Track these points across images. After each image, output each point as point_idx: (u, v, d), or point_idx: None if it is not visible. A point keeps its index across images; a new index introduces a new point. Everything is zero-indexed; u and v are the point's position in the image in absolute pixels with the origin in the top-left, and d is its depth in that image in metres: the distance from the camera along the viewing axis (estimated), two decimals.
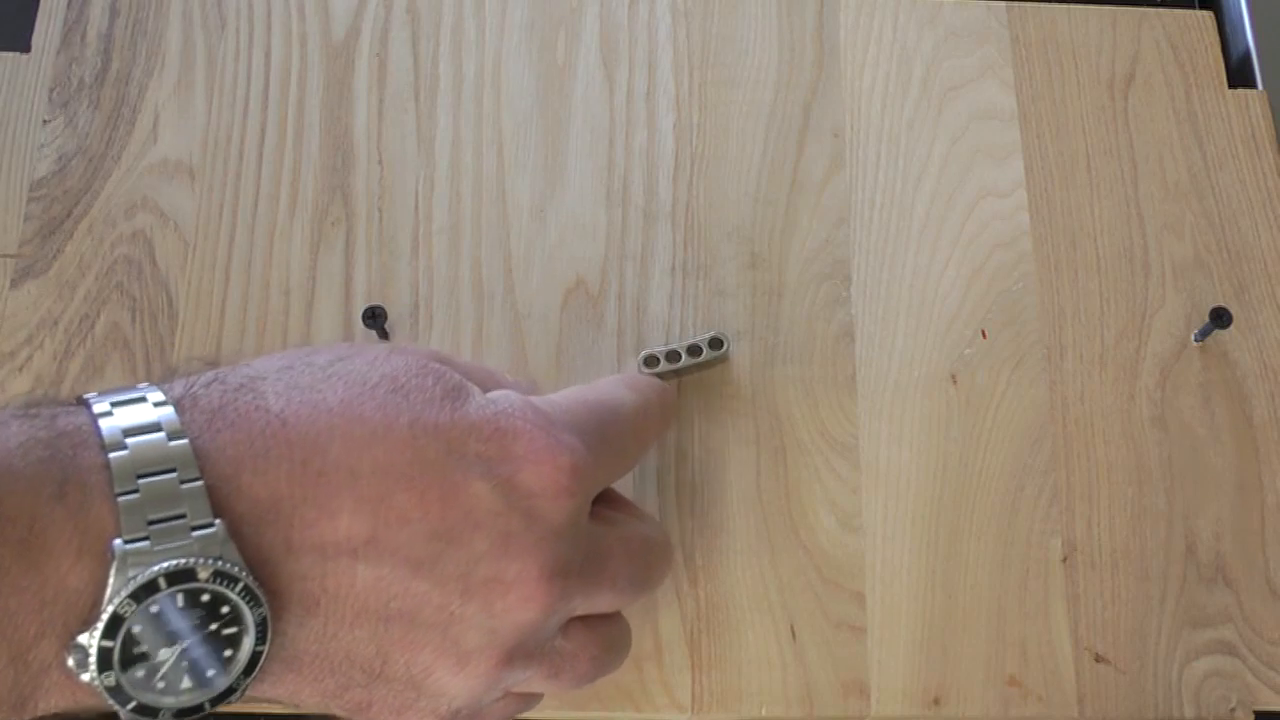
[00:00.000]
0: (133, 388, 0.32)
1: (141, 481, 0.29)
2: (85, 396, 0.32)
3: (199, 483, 0.30)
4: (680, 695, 0.48)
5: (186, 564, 0.29)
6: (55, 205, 0.54)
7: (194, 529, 0.29)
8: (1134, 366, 0.54)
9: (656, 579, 0.42)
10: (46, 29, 0.57)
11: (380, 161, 0.56)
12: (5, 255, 0.53)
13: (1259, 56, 0.61)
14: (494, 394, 0.36)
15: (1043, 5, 0.61)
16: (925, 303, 0.55)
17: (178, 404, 0.32)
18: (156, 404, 0.31)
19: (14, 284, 0.53)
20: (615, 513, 0.41)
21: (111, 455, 0.30)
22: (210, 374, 0.33)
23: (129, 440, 0.30)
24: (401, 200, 0.55)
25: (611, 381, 0.42)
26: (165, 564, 0.29)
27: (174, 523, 0.29)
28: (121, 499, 0.29)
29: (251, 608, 0.30)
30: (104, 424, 0.31)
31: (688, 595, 0.49)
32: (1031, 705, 0.49)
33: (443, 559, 0.32)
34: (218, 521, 0.29)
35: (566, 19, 0.59)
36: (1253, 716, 0.49)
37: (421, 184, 0.56)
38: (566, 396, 0.39)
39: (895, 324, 0.54)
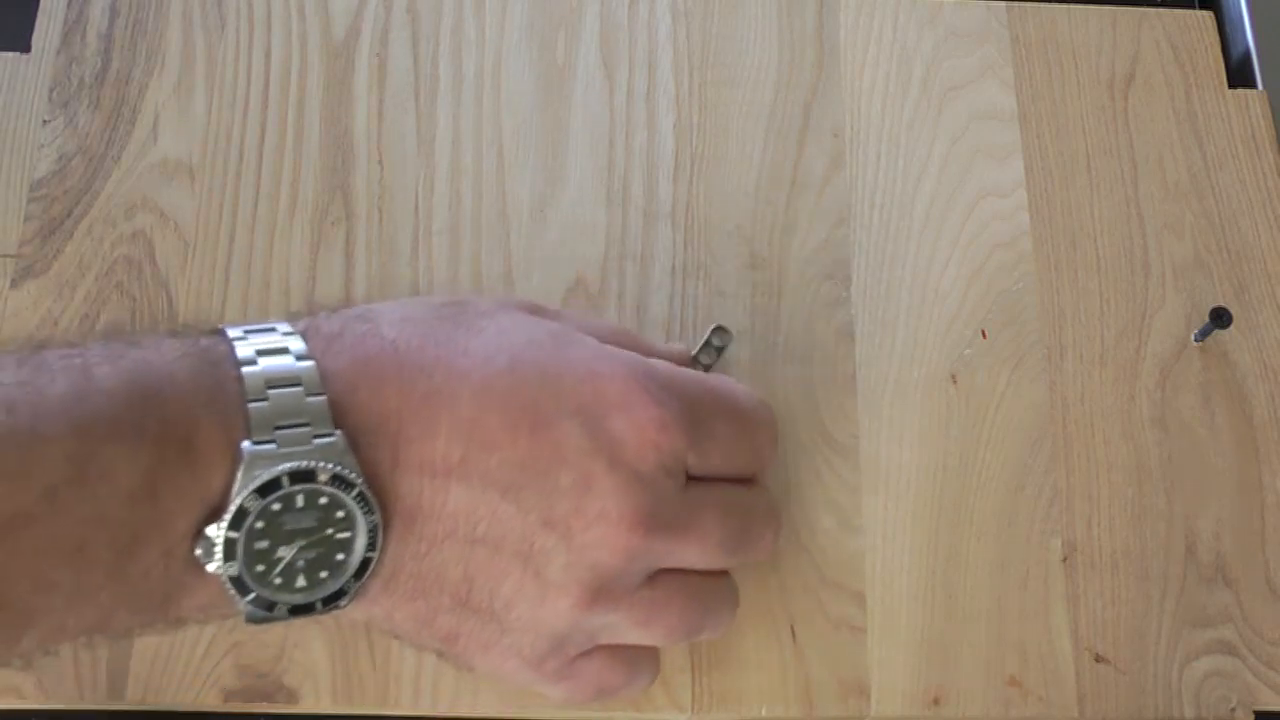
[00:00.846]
0: (263, 321, 0.35)
1: (271, 392, 0.32)
2: (221, 326, 0.35)
3: (322, 397, 0.32)
4: (680, 695, 0.48)
5: (308, 465, 0.32)
6: (55, 205, 0.54)
7: (315, 437, 0.32)
8: (1134, 366, 0.54)
9: (756, 544, 0.42)
10: (46, 29, 0.57)
11: (380, 161, 0.56)
12: (5, 255, 0.53)
13: (1259, 56, 0.61)
14: (609, 347, 0.37)
15: (1043, 5, 0.61)
16: (925, 303, 0.55)
17: (303, 332, 0.35)
18: (284, 333, 0.34)
19: (14, 284, 0.53)
20: (726, 481, 0.41)
21: (245, 370, 0.32)
22: (332, 310, 0.36)
23: (260, 359, 0.33)
24: (401, 200, 0.55)
25: (733, 383, 0.43)
26: (289, 465, 0.32)
27: (299, 429, 0.32)
28: (252, 406, 0.32)
29: (365, 514, 0.33)
30: (238, 346, 0.33)
31: None
32: (1031, 705, 0.49)
33: (527, 488, 0.34)
34: (337, 432, 0.32)
35: (566, 19, 0.59)
36: (1253, 716, 0.49)
37: (421, 184, 0.56)
38: (687, 372, 0.40)
39: (895, 324, 0.54)
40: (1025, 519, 0.51)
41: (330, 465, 0.32)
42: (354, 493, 0.33)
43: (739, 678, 0.48)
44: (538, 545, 0.35)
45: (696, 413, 0.38)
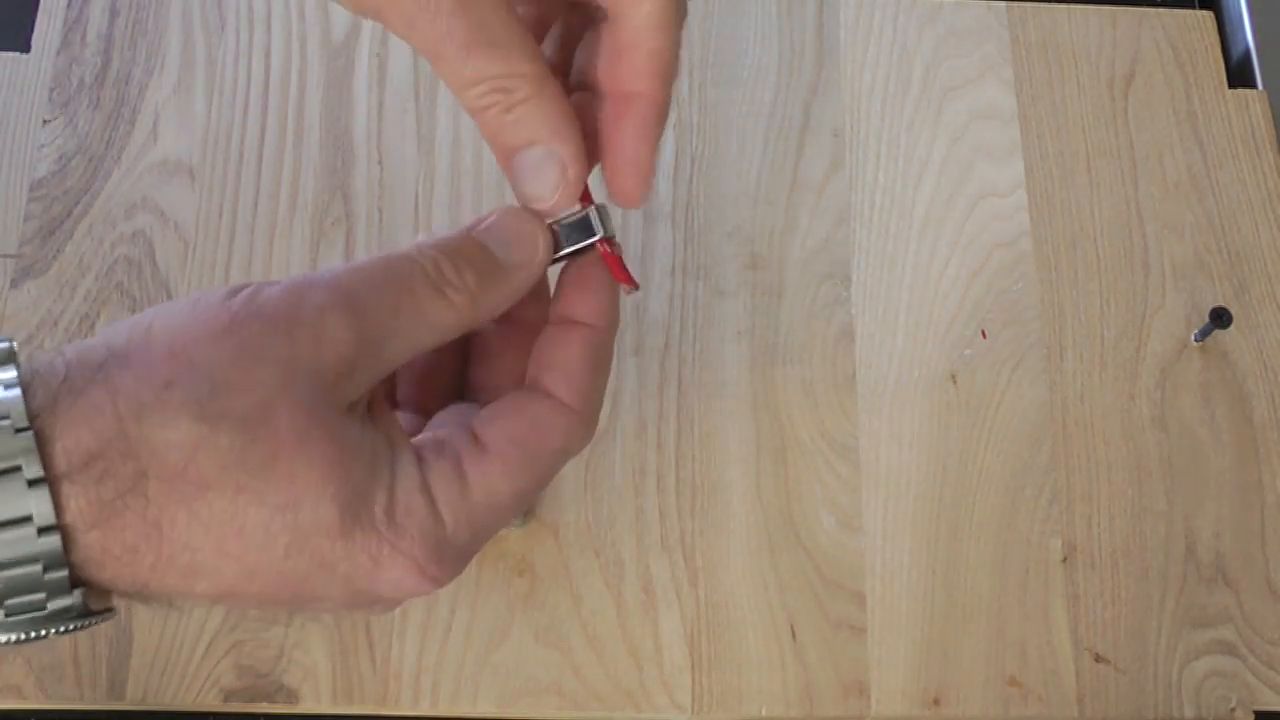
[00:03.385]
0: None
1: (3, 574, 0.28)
2: None
3: (63, 572, 0.28)
4: (680, 695, 0.48)
5: (40, 635, 0.29)
6: (55, 205, 0.54)
7: (49, 599, 0.28)
8: (1134, 366, 0.54)
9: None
10: (46, 29, 0.57)
11: (380, 161, 0.56)
12: (5, 255, 0.53)
13: (1259, 56, 0.61)
14: (400, 507, 0.31)
15: (1043, 5, 0.61)
16: (925, 303, 0.55)
17: (63, 481, 0.28)
18: (29, 481, 0.28)
19: (14, 284, 0.53)
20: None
21: None
22: (101, 460, 0.28)
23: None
24: (401, 200, 0.55)
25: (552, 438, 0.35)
26: (17, 635, 0.29)
27: (31, 600, 0.28)
28: None
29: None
30: None
31: (688, 595, 0.49)
32: (1031, 705, 0.49)
33: (284, 611, 0.34)
34: (76, 591, 0.29)
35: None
36: (1253, 716, 0.49)
37: (421, 184, 0.56)
38: (494, 492, 0.33)
39: (895, 324, 0.54)
40: (1025, 519, 0.51)
41: (59, 630, 0.29)
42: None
43: (739, 678, 0.49)
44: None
45: (478, 542, 0.34)
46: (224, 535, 0.29)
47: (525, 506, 0.34)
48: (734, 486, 0.51)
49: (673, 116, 0.57)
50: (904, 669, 0.49)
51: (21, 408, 0.27)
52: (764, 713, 0.48)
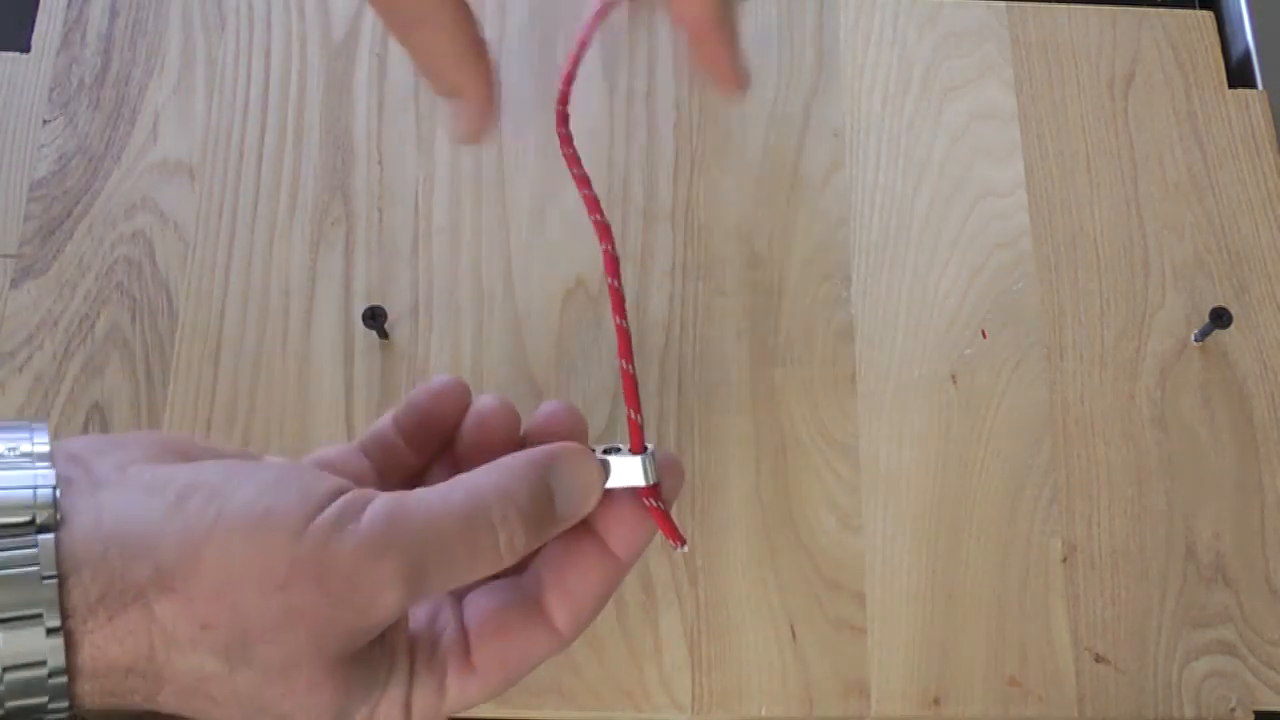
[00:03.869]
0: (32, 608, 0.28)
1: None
2: None
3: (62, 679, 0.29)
4: (680, 695, 0.48)
5: None
6: (55, 205, 0.54)
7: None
8: (1134, 366, 0.54)
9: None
10: (46, 29, 0.57)
11: (380, 161, 0.56)
12: (5, 255, 0.53)
13: (1259, 56, 0.61)
14: (378, 718, 0.33)
15: (1043, 5, 0.61)
16: (925, 303, 0.55)
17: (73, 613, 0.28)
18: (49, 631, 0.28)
19: (14, 284, 0.53)
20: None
21: None
22: (129, 676, 0.29)
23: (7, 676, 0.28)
24: (401, 200, 0.55)
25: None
26: None
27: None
28: None
29: None
30: None
31: (688, 595, 0.49)
32: (1031, 705, 0.49)
33: None
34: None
35: (566, 19, 0.59)
36: (1253, 716, 0.49)
37: (421, 184, 0.56)
38: (467, 701, 0.35)
39: (895, 324, 0.54)
40: (1025, 519, 0.51)
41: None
42: None
43: (739, 678, 0.48)
44: None
45: None
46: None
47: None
48: (734, 486, 0.51)
49: (673, 116, 0.57)
50: (904, 669, 0.49)
51: (55, 601, 0.28)
52: (764, 713, 0.48)
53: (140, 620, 0.29)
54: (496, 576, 0.35)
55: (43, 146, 0.55)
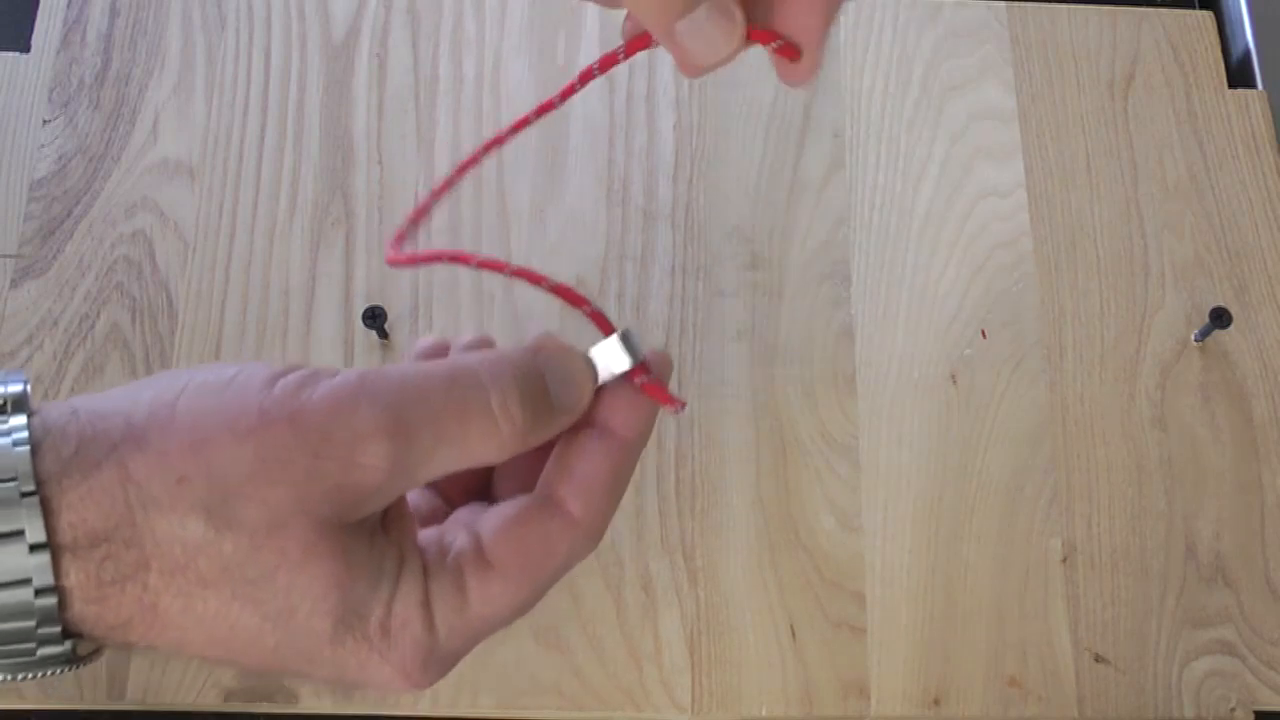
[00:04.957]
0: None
1: None
2: None
3: (56, 628, 0.28)
4: (680, 695, 0.48)
5: (21, 679, 0.29)
6: (55, 205, 0.54)
7: (40, 646, 0.29)
8: (1134, 366, 0.54)
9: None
10: (46, 29, 0.57)
11: (380, 161, 0.56)
12: (5, 255, 0.53)
13: (1259, 56, 0.61)
14: (396, 621, 0.31)
15: (1043, 5, 0.61)
16: (925, 303, 0.55)
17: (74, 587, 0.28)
18: (31, 553, 0.27)
19: (14, 284, 0.53)
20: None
21: None
22: (106, 545, 0.28)
23: None
24: (401, 200, 0.55)
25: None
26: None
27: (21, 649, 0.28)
28: None
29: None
30: None
31: (688, 595, 0.49)
32: (1031, 705, 0.49)
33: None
34: (68, 643, 0.29)
35: (566, 19, 0.59)
36: (1253, 716, 0.49)
37: (421, 184, 0.56)
38: (493, 607, 0.32)
39: (895, 324, 0.54)
40: (1025, 519, 0.51)
41: (47, 674, 0.29)
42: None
43: (739, 678, 0.48)
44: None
45: (465, 650, 0.34)
46: (215, 629, 0.29)
47: (520, 616, 0.34)
48: (734, 486, 0.51)
49: (673, 116, 0.57)
50: (904, 669, 0.49)
51: (29, 469, 0.27)
52: (764, 713, 0.48)
53: (114, 477, 0.28)
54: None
55: (43, 146, 0.55)
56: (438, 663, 0.31)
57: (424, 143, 0.56)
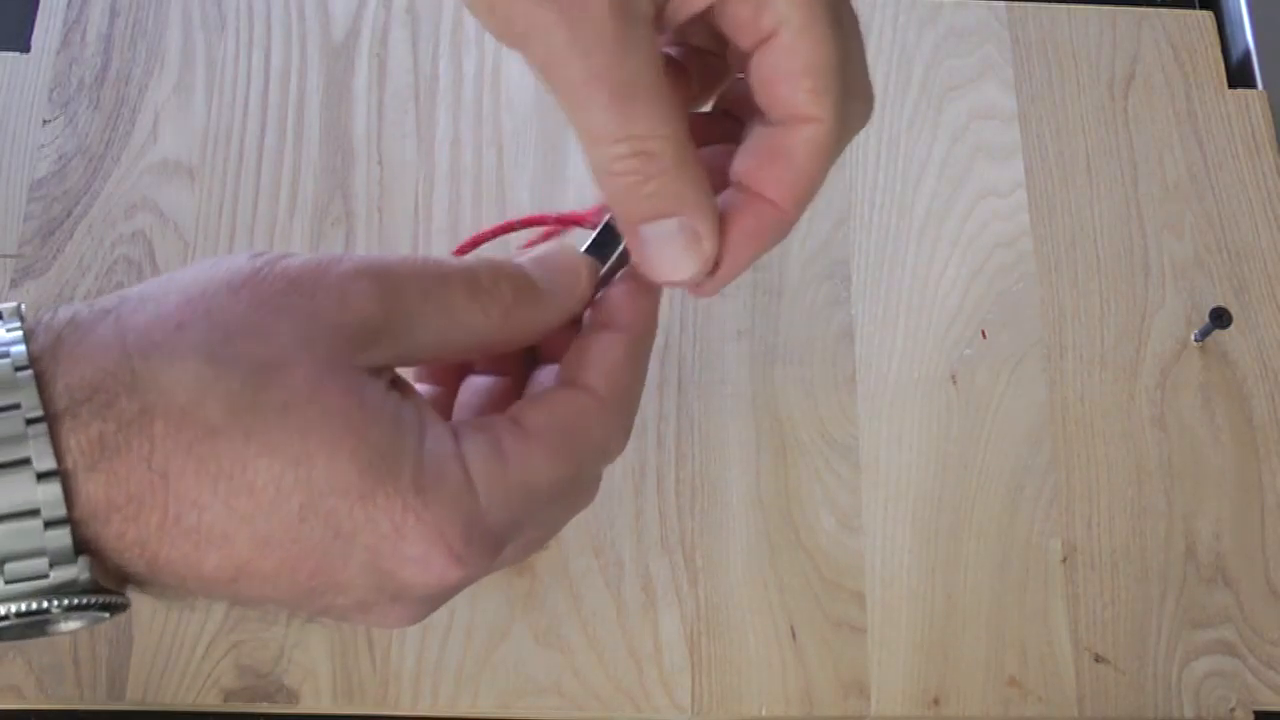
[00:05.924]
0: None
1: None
2: None
3: (65, 529, 0.27)
4: (680, 695, 0.48)
5: (40, 608, 0.27)
6: (55, 205, 0.54)
7: (52, 566, 0.27)
8: (1134, 366, 0.54)
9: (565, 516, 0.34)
10: (46, 29, 0.57)
11: (380, 161, 0.56)
12: (5, 255, 0.53)
13: (1259, 56, 0.61)
14: (429, 474, 0.29)
15: (1043, 5, 0.61)
16: (925, 303, 0.55)
17: (74, 470, 0.27)
18: (29, 428, 0.26)
19: (14, 284, 0.53)
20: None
21: None
22: (103, 393, 0.27)
23: None
24: (401, 200, 0.55)
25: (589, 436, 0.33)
26: (16, 606, 0.27)
27: (33, 564, 0.27)
28: None
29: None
30: None
31: (688, 595, 0.49)
32: (1031, 705, 0.49)
33: (304, 604, 0.30)
34: (80, 559, 0.27)
35: None
36: (1253, 716, 0.49)
37: (421, 184, 0.56)
38: (535, 474, 0.31)
39: (895, 324, 0.54)
40: (1025, 519, 0.51)
41: (65, 604, 0.27)
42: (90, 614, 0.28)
43: (739, 678, 0.48)
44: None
45: (513, 537, 0.32)
46: (233, 490, 0.27)
47: (563, 510, 0.33)
48: (734, 486, 0.51)
49: None
50: (904, 669, 0.49)
51: (23, 348, 0.27)
52: (764, 713, 0.48)
53: (111, 331, 0.27)
54: None
55: (43, 146, 0.55)
56: (481, 537, 0.29)
57: (424, 142, 0.56)
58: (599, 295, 0.33)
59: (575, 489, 0.32)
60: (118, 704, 0.47)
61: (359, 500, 0.28)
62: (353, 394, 0.28)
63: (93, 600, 0.27)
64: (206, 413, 0.27)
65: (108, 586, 0.28)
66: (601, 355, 0.33)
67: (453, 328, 0.30)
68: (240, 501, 0.27)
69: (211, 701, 0.47)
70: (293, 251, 0.30)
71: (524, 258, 0.32)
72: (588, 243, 0.33)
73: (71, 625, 0.28)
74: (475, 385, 0.35)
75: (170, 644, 0.47)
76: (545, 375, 0.34)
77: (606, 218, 0.33)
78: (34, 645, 0.47)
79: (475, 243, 0.38)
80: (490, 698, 0.48)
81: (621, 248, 0.33)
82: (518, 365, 0.35)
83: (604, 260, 0.33)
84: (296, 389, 0.28)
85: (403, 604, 0.30)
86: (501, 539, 0.30)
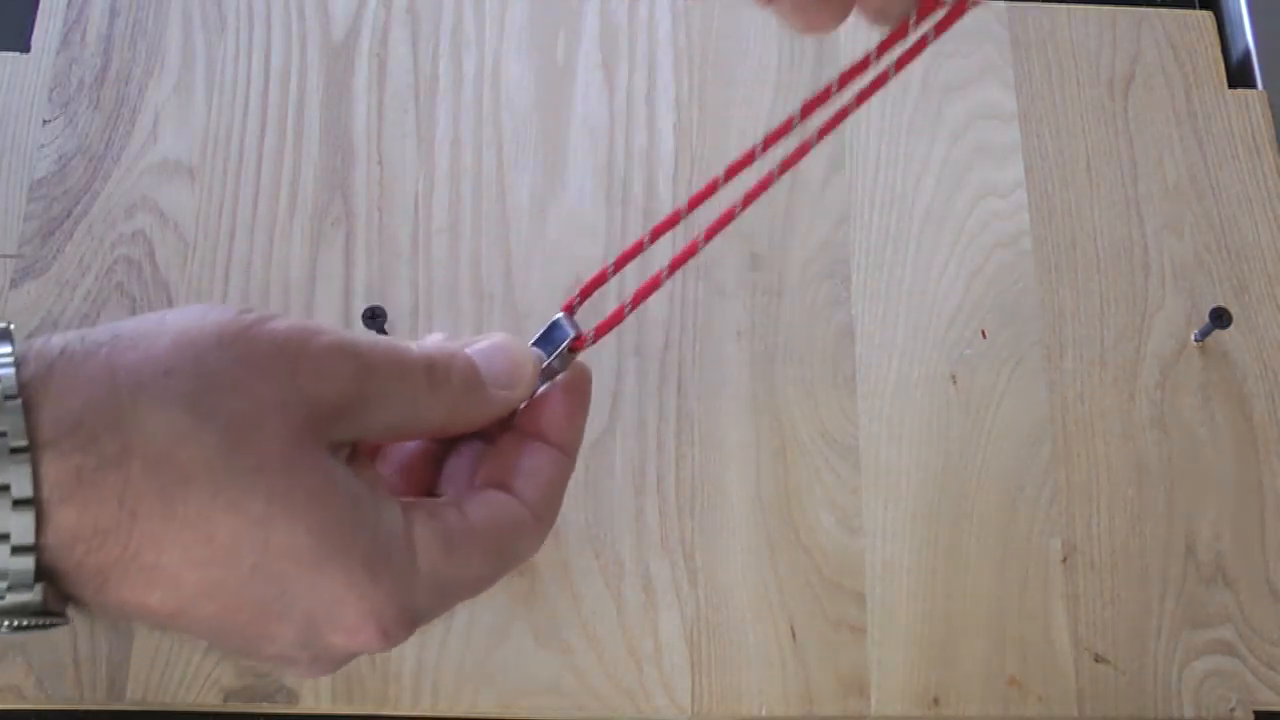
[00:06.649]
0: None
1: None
2: None
3: (30, 557, 0.28)
4: (680, 695, 0.48)
5: None
6: (55, 205, 0.54)
7: (10, 590, 0.28)
8: (1134, 366, 0.54)
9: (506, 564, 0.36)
10: (46, 29, 0.57)
11: (380, 161, 0.56)
12: (5, 255, 0.53)
13: (1259, 56, 0.61)
14: (379, 556, 0.30)
15: (1043, 5, 0.61)
16: (925, 303, 0.55)
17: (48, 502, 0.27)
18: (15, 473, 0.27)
19: (14, 284, 0.53)
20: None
21: None
22: (87, 429, 0.28)
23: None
24: (401, 200, 0.55)
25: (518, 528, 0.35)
26: None
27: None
28: None
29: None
30: None
31: (688, 595, 0.49)
32: (1031, 705, 0.49)
33: (230, 644, 0.32)
34: (38, 586, 0.28)
35: (566, 19, 0.59)
36: (1253, 716, 0.49)
37: (421, 184, 0.56)
38: (469, 569, 0.32)
39: (895, 324, 0.54)
40: (1025, 519, 0.51)
41: (12, 625, 0.28)
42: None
43: (739, 678, 0.48)
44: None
45: (440, 608, 0.33)
46: (194, 539, 0.28)
47: (468, 599, 0.35)
48: (734, 486, 0.51)
49: (673, 116, 0.57)
50: (904, 669, 0.49)
51: (12, 375, 0.27)
52: (764, 713, 0.48)
53: (102, 368, 0.28)
54: None
55: (43, 146, 0.55)
56: (412, 616, 0.31)
57: (424, 142, 0.56)
58: (538, 391, 0.35)
59: (488, 587, 0.34)
60: (118, 704, 0.47)
61: (310, 568, 0.29)
62: (320, 469, 0.30)
63: (38, 621, 0.28)
64: (182, 461, 0.28)
65: (53, 609, 0.29)
66: (539, 469, 0.34)
67: (410, 413, 0.32)
68: (198, 550, 0.28)
69: (211, 701, 0.47)
70: (277, 313, 0.31)
71: (474, 349, 0.34)
72: (536, 335, 0.35)
73: (1, 635, 0.29)
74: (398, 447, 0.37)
75: (170, 644, 0.47)
76: (467, 451, 0.36)
77: (558, 316, 0.35)
78: (35, 645, 0.47)
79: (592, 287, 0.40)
80: (490, 697, 0.48)
81: (567, 342, 0.35)
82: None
83: (550, 353, 0.35)
84: (268, 454, 0.29)
85: (321, 662, 0.32)
86: (423, 620, 0.32)
